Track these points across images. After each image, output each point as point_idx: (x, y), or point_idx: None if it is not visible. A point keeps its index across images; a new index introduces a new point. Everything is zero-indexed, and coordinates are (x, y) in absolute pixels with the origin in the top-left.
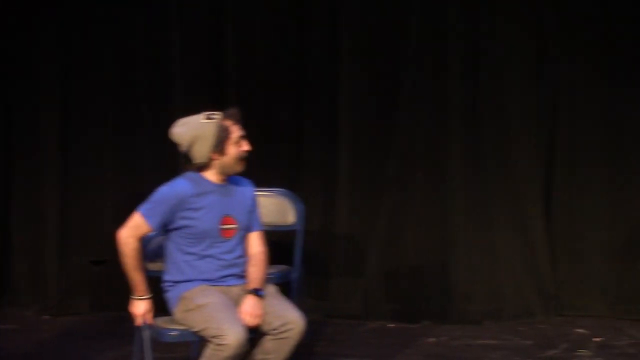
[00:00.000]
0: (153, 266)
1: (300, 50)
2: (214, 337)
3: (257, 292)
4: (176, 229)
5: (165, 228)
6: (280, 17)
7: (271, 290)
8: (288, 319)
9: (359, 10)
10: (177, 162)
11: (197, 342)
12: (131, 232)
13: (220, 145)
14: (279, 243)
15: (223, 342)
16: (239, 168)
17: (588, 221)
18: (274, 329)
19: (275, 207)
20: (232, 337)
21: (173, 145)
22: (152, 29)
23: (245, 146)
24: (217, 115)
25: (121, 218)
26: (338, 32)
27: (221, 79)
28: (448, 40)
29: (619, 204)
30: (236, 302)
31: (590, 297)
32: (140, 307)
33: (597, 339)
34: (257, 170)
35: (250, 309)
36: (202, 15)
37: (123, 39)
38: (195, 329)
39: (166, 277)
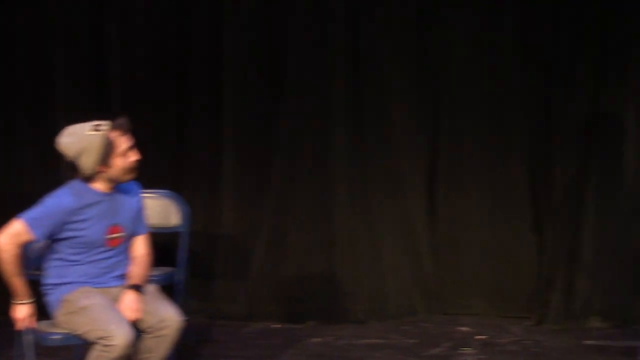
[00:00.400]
0: (36, 272)
1: (183, 50)
2: (100, 338)
3: (135, 288)
4: (62, 239)
5: (51, 238)
6: (163, 15)
7: (150, 289)
8: (164, 317)
9: (243, 10)
10: (58, 163)
11: (80, 345)
12: (12, 239)
13: (106, 158)
14: (162, 245)
15: (111, 343)
16: (128, 178)
17: (470, 220)
18: (151, 327)
19: (158, 208)
20: (120, 337)
21: (53, 147)
22: (32, 28)
23: (134, 157)
24: (104, 126)
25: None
26: (221, 32)
27: (103, 77)
28: (330, 40)
29: (500, 203)
30: (116, 302)
31: (473, 295)
32: (21, 312)
33: (480, 337)
34: (140, 171)
35: (128, 304)
36: (83, 16)
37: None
38: (79, 332)
39: (46, 280)
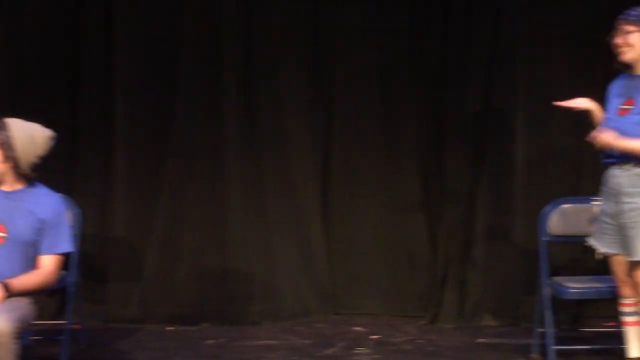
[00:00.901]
0: None
1: (72, 51)
2: None
3: (4, 285)
4: None
5: None
6: (55, 15)
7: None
8: None
9: (134, 14)
10: None
11: None
12: None
13: None
14: None
15: None
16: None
17: (363, 221)
18: None
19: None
20: None
21: None
22: None
23: None
24: None
25: None
26: (111, 32)
27: None
28: (223, 40)
29: (394, 204)
30: None
31: (367, 296)
32: None
33: (374, 337)
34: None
35: None
36: None
37: None
38: None
39: None
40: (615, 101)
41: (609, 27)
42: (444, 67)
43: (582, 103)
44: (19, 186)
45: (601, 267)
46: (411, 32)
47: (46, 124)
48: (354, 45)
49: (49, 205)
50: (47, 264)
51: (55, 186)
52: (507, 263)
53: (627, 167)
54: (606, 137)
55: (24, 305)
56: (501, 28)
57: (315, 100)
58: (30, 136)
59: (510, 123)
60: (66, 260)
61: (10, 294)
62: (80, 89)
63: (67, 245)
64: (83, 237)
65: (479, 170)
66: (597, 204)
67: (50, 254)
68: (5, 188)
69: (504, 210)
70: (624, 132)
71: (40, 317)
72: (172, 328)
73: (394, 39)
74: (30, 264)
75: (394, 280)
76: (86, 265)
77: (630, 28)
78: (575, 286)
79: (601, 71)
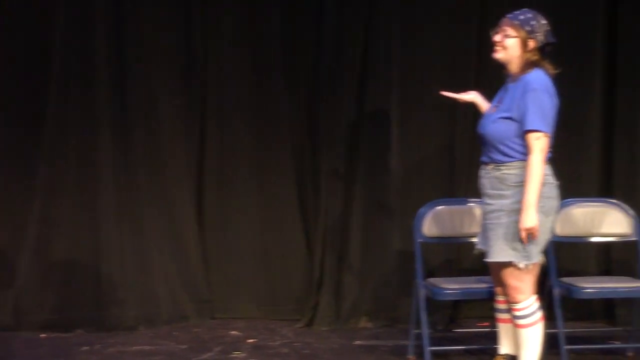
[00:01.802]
0: None
1: None
2: None
3: None
4: None
5: None
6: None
7: None
8: None
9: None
10: None
11: None
12: None
13: None
14: None
15: None
16: None
17: (239, 225)
18: None
19: None
20: None
21: None
22: None
23: None
24: None
25: None
26: None
27: None
28: (95, 43)
29: (269, 208)
30: None
31: (243, 299)
32: None
33: (251, 341)
34: None
35: None
36: None
37: None
38: None
39: None
40: (494, 100)
41: (482, 34)
42: (317, 73)
43: (468, 95)
44: None
45: (476, 267)
46: (284, 37)
47: None
48: (227, 50)
49: None
50: None
51: None
52: (382, 265)
53: (488, 168)
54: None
55: None
56: (373, 31)
57: (188, 105)
58: None
59: (384, 126)
60: None
61: None
62: None
63: None
64: None
65: (355, 173)
66: (473, 204)
67: None
68: None
69: (380, 212)
70: (485, 128)
71: None
72: (45, 335)
73: (266, 45)
74: None
75: (271, 284)
76: None
77: (510, 31)
78: (450, 287)
79: (474, 74)
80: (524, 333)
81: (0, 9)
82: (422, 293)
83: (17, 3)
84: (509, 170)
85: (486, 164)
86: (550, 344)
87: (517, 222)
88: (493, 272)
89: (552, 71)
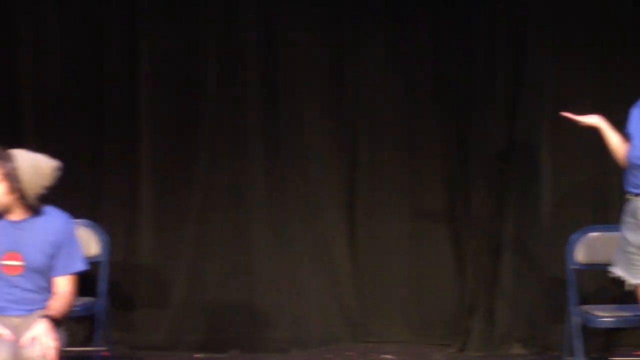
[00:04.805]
0: None
1: (97, 78)
2: None
3: (48, 318)
4: None
5: None
6: (78, 41)
7: (41, 324)
8: (26, 356)
9: (158, 37)
10: None
11: None
12: None
13: None
14: (83, 275)
15: None
16: None
17: (391, 248)
18: None
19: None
20: None
21: None
22: None
23: None
24: None
25: None
26: (136, 62)
27: (17, 106)
28: (246, 70)
29: (420, 230)
30: (16, 332)
31: (395, 323)
32: None
33: None
34: (57, 200)
35: (35, 332)
36: None
37: None
38: None
39: None
40: (633, 122)
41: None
42: (467, 104)
43: (589, 119)
44: (26, 215)
45: (627, 296)
46: (434, 58)
47: (71, 150)
48: (376, 72)
49: (58, 227)
50: (64, 285)
51: (81, 213)
52: (535, 291)
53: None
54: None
55: (60, 333)
56: (524, 60)
57: (338, 129)
58: (35, 167)
59: (535, 153)
60: (94, 287)
61: (55, 324)
62: (105, 115)
63: (80, 264)
64: (110, 264)
65: (506, 198)
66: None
67: (65, 275)
68: (14, 218)
69: (531, 237)
70: None
71: (69, 344)
72: (200, 355)
73: (417, 66)
74: (47, 288)
75: (422, 308)
76: (114, 292)
77: None
78: (606, 315)
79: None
80: None
81: (152, 41)
82: (576, 320)
83: (168, 34)
84: None
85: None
86: None
87: None
88: None
89: None
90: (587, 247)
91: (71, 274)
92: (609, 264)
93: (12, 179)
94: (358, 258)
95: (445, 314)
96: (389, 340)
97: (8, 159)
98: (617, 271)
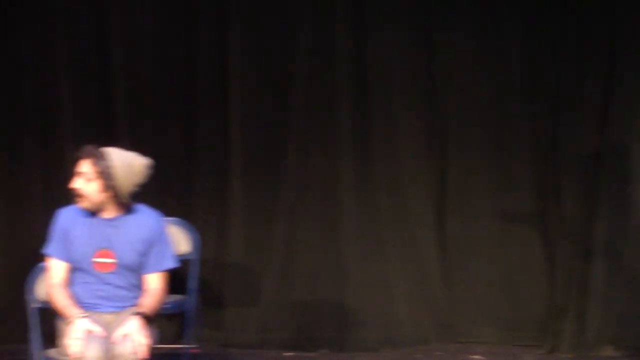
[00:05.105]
0: None
1: (188, 76)
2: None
3: (140, 315)
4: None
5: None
6: (168, 42)
7: (134, 321)
8: (118, 352)
9: (248, 35)
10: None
11: None
12: (51, 280)
13: None
14: (174, 273)
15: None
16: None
17: (480, 247)
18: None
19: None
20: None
21: (62, 176)
22: (39, 52)
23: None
24: None
25: (8, 249)
26: (227, 58)
27: (109, 106)
28: (337, 69)
29: (510, 231)
30: (107, 329)
31: (484, 323)
32: (83, 324)
33: None
34: (149, 198)
35: (128, 329)
36: (89, 37)
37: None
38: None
39: None
40: None
41: None
42: (559, 104)
43: None
44: (119, 213)
45: None
46: (525, 57)
47: (163, 149)
48: (467, 71)
49: (150, 225)
50: (155, 282)
51: (173, 211)
52: (626, 293)
53: None
54: None
55: (152, 331)
56: (617, 60)
57: (429, 128)
58: (128, 165)
59: (627, 154)
60: (184, 286)
61: (147, 321)
62: (197, 114)
63: (171, 261)
64: (201, 262)
65: (597, 198)
66: None
67: (157, 272)
68: (106, 215)
69: (623, 239)
70: None
71: (159, 341)
72: (289, 354)
73: (508, 65)
74: (139, 286)
75: (512, 308)
76: (204, 290)
77: None
78: None
79: None
80: None
81: (245, 37)
82: None
83: (259, 32)
84: None
85: None
86: None
87: None
88: None
89: None
90: None
91: (162, 271)
92: None
93: (106, 177)
94: (447, 258)
95: (534, 315)
96: (478, 340)
97: (102, 157)
98: None
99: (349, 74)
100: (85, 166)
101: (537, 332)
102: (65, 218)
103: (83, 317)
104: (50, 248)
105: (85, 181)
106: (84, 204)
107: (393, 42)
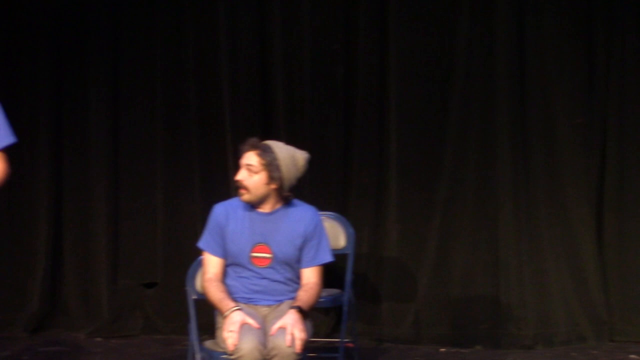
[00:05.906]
0: None
1: (348, 72)
2: (231, 353)
3: (297, 309)
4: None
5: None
6: (328, 38)
7: (291, 315)
8: (275, 344)
9: (406, 32)
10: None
11: None
12: (205, 275)
13: None
14: (330, 267)
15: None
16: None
17: (638, 246)
18: (267, 352)
19: (326, 230)
20: (244, 355)
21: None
22: (201, 42)
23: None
24: None
25: (172, 240)
26: (385, 53)
27: (269, 101)
28: (495, 65)
29: None
30: (263, 321)
31: None
32: (238, 317)
33: None
34: (308, 194)
35: (286, 322)
36: (250, 30)
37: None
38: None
39: None
40: None
41: None
42: None
43: None
44: (276, 207)
45: None
46: None
47: (321, 144)
48: (631, 65)
49: (306, 220)
50: (311, 276)
51: (329, 205)
52: None
53: None
54: None
55: (308, 324)
56: None
57: (589, 124)
58: (292, 158)
59: None
60: (341, 280)
61: (303, 315)
62: (354, 109)
63: (327, 256)
64: (357, 257)
65: None
66: None
67: (313, 267)
68: (265, 210)
69: None
70: None
71: (315, 335)
72: (444, 350)
73: None
74: (295, 280)
75: None
76: (360, 285)
77: None
78: None
79: None
80: None
81: (401, 37)
82: None
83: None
84: None
85: None
86: None
87: None
88: None
89: None
90: None
91: (318, 265)
92: None
93: (273, 169)
94: (605, 256)
95: None
96: (636, 340)
97: (268, 149)
98: None
99: (506, 70)
100: (251, 158)
101: None
102: (220, 213)
103: (238, 309)
104: (204, 242)
105: (251, 173)
106: (245, 197)
107: (553, 38)
